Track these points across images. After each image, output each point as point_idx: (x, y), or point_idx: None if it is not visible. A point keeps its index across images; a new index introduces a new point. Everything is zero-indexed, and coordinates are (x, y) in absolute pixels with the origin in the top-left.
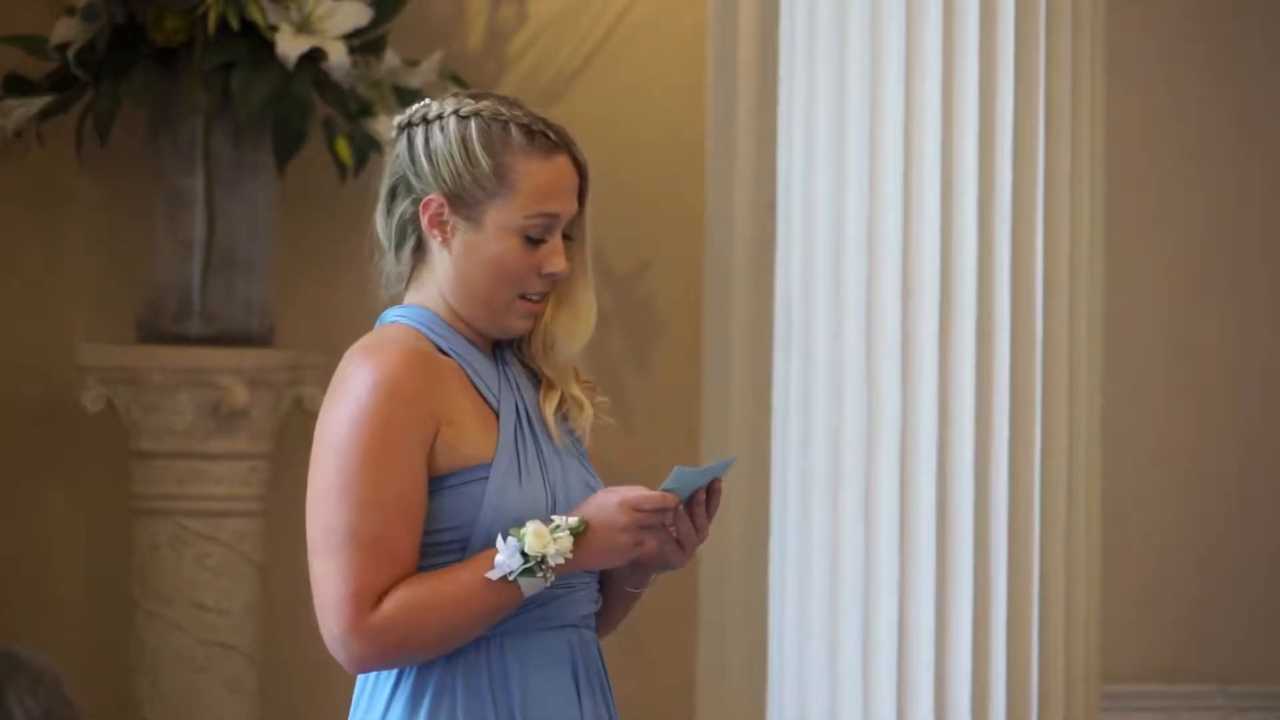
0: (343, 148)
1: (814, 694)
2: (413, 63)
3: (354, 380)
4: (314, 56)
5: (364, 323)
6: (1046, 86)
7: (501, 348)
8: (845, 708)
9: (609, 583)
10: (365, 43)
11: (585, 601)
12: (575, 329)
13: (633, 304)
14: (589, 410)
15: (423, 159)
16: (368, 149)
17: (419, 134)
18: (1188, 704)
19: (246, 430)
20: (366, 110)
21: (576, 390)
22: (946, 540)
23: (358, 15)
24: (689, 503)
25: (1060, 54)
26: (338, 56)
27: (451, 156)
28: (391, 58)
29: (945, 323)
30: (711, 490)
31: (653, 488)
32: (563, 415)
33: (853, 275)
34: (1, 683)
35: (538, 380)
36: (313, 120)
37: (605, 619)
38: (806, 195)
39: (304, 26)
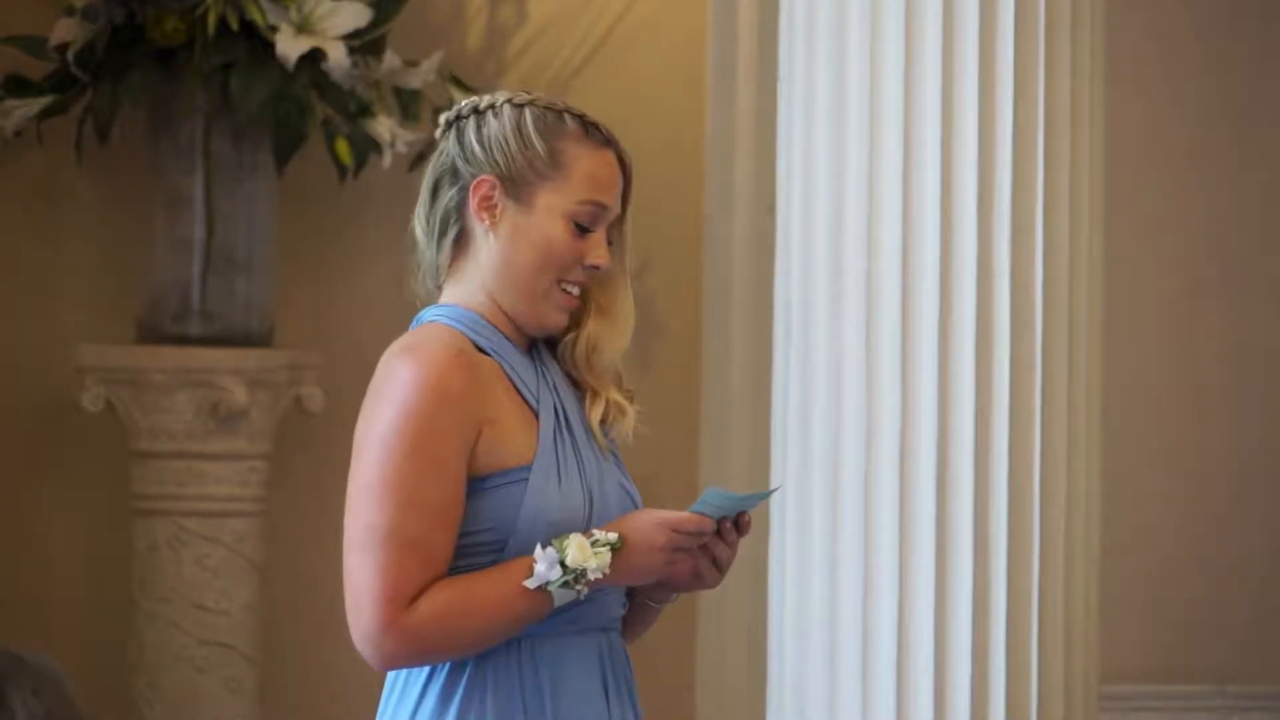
0: (342, 148)
1: (814, 694)
2: (412, 63)
3: (399, 379)
4: (314, 57)
5: (363, 323)
6: (1046, 87)
7: (539, 349)
8: (845, 708)
9: (632, 595)
10: (365, 43)
11: (614, 605)
12: (617, 334)
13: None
14: (631, 416)
15: (475, 144)
16: (367, 149)
17: (469, 124)
18: (1186, 704)
19: (246, 430)
20: (366, 111)
21: (618, 396)
22: (946, 540)
23: (357, 15)
24: (720, 524)
25: (1060, 55)
26: (337, 57)
27: (506, 140)
28: (391, 58)
29: (945, 323)
30: (740, 516)
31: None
32: (605, 426)
33: (853, 275)
34: (4, 684)
35: (574, 384)
36: (312, 121)
37: (626, 630)
38: (806, 195)
39: (304, 27)
